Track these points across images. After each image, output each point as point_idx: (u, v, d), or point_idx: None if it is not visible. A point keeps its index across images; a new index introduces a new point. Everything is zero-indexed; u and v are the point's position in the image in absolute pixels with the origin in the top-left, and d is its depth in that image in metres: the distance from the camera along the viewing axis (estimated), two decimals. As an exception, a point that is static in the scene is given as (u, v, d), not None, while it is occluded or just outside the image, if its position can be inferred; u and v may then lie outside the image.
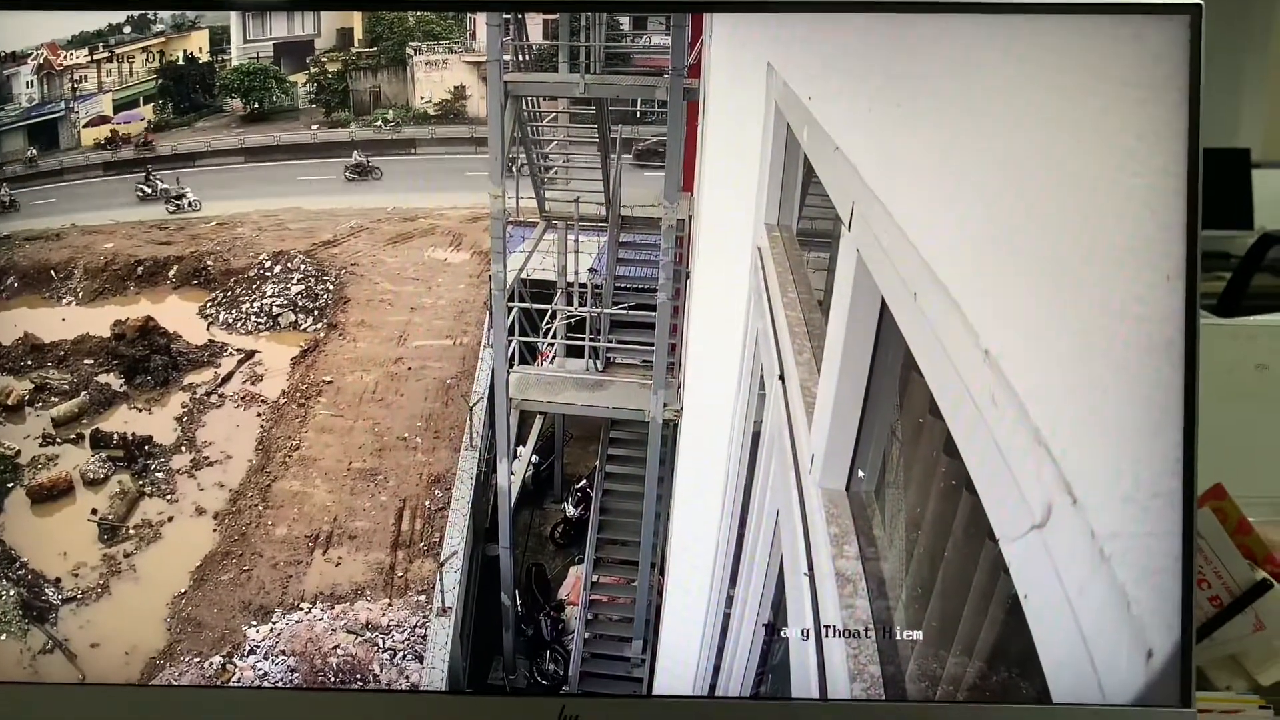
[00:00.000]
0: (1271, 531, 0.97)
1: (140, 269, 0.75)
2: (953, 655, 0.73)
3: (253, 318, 0.77)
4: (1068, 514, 0.73)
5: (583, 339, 0.76)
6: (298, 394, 0.76)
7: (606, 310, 0.75)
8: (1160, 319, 0.73)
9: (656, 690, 0.73)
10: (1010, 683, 0.72)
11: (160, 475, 0.75)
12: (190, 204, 0.73)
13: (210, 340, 0.75)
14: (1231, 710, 0.92)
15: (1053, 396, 0.73)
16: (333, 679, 0.74)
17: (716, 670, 0.74)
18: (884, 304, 0.74)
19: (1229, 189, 2.80)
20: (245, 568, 0.75)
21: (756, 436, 0.74)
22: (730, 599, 0.74)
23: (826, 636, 0.73)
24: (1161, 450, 0.73)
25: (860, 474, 0.76)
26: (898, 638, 0.73)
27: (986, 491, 0.73)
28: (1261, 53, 4.29)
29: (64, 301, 0.75)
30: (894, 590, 0.74)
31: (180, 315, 0.76)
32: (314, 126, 0.71)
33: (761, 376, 0.76)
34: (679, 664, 0.74)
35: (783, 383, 0.77)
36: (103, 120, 0.73)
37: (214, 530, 0.74)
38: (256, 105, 0.72)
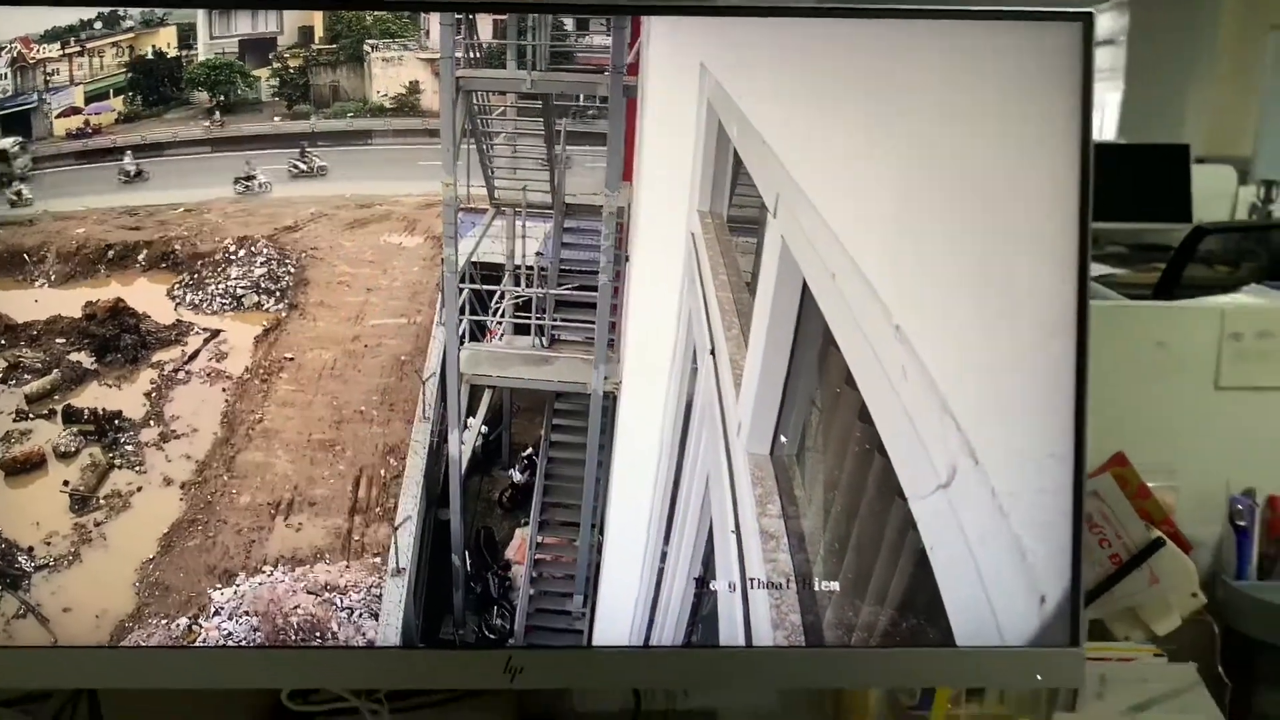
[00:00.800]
0: (1167, 496, 1.04)
1: (111, 253, 0.78)
2: (867, 604, 0.79)
3: (218, 299, 0.81)
4: (970, 474, 0.79)
5: (529, 318, 0.81)
6: (261, 370, 0.80)
7: (551, 291, 0.80)
8: (1056, 297, 0.79)
9: (596, 641, 0.77)
10: (918, 628, 0.78)
11: (130, 448, 0.79)
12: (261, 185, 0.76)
13: (178, 320, 0.79)
14: (1129, 658, 0.99)
15: (958, 368, 0.79)
16: (294, 637, 0.78)
17: (651, 622, 0.79)
18: (805, 285, 0.80)
19: (1169, 184, 2.86)
20: (211, 534, 0.78)
21: (689, 407, 0.80)
22: (664, 556, 0.79)
23: (751, 588, 0.79)
24: (1056, 416, 0.79)
25: (783, 440, 0.81)
26: (816, 589, 0.79)
27: (896, 455, 0.78)
28: (1207, 51, 4.40)
29: (37, 284, 0.78)
30: (813, 545, 0.79)
31: (149, 296, 0.80)
32: (277, 119, 0.76)
33: (694, 352, 0.81)
34: (617, 617, 0.79)
35: (713, 357, 0.82)
36: (74, 111, 0.76)
37: (181, 499, 0.78)
38: (223, 98, 0.76)
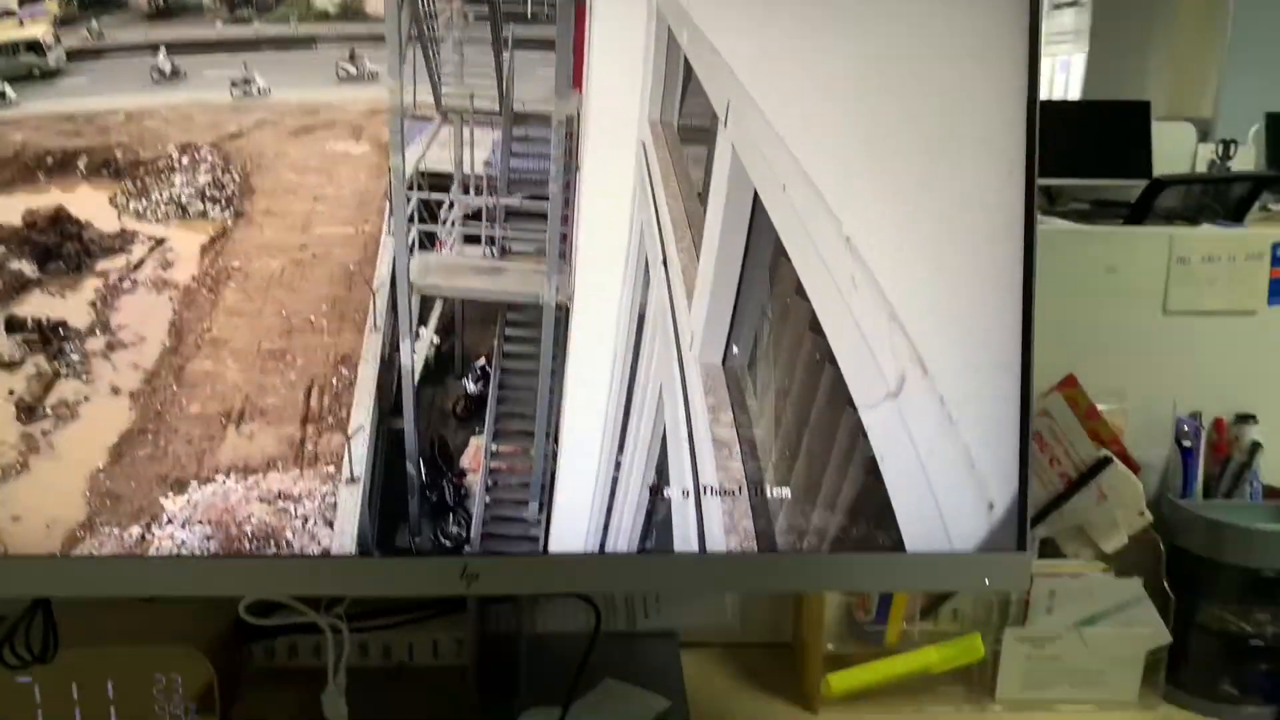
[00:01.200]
0: (1116, 418, 1.06)
1: (50, 159, 0.76)
2: (818, 511, 0.79)
3: (162, 206, 0.80)
4: (919, 383, 0.79)
5: (479, 228, 0.81)
6: (208, 279, 0.78)
7: (502, 201, 0.79)
8: (1004, 208, 0.78)
9: (551, 549, 0.78)
10: (868, 534, 0.79)
11: (76, 358, 0.77)
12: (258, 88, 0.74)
13: (122, 229, 0.77)
14: (1078, 574, 1.01)
15: (907, 279, 0.79)
16: (248, 545, 0.78)
17: (606, 529, 0.80)
18: (756, 196, 0.80)
19: (1130, 141, 2.88)
20: (161, 443, 0.77)
21: (642, 318, 0.79)
22: (618, 464, 0.79)
23: (705, 496, 0.80)
24: (1005, 326, 0.79)
25: (735, 350, 0.81)
26: (769, 496, 0.79)
27: (847, 364, 0.79)
28: (1170, 13, 4.41)
29: (-27, 192, 0.76)
30: (765, 454, 0.80)
31: (91, 204, 0.78)
32: (219, 23, 0.73)
33: (646, 263, 0.81)
34: (572, 524, 0.79)
35: (665, 269, 0.82)
36: (7, 14, 0.74)
37: (130, 409, 0.77)
38: (162, 2, 0.74)
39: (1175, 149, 2.89)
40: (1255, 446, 1.06)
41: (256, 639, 1.06)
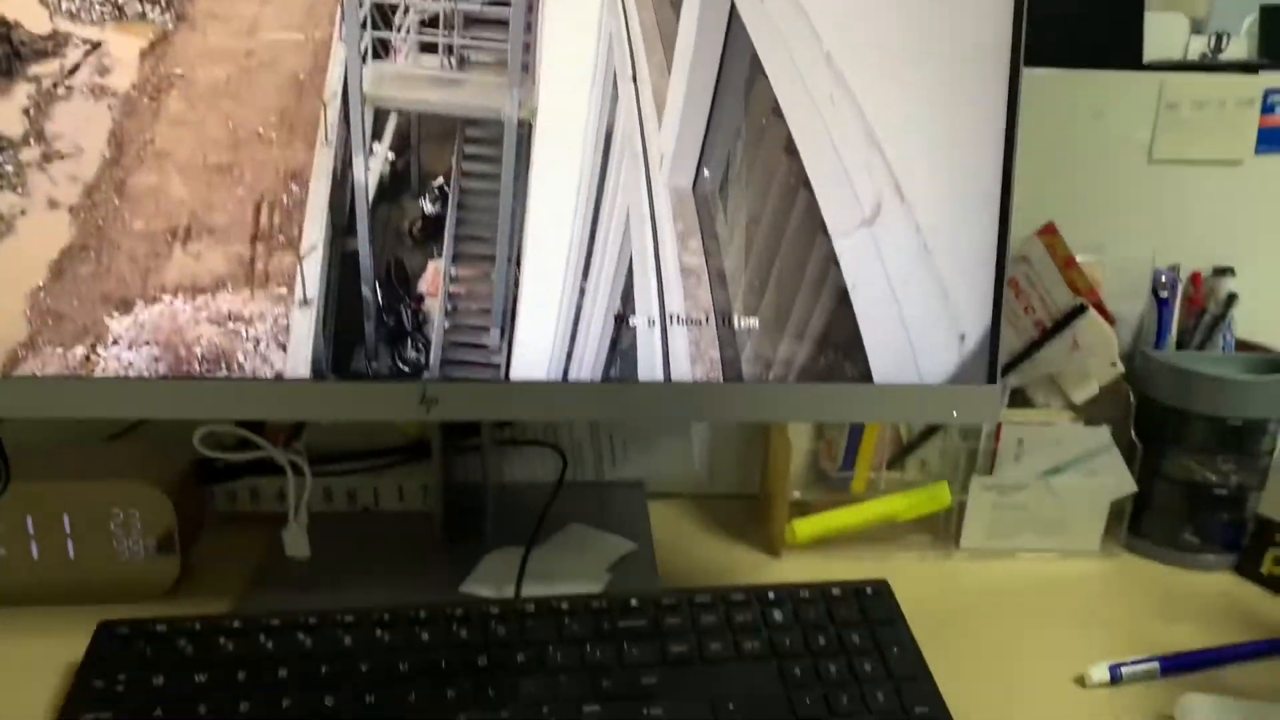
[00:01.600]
0: (1095, 270, 1.04)
1: (-27, -46, 0.71)
2: (786, 341, 0.78)
3: (98, 6, 0.74)
4: (896, 210, 0.77)
5: (437, 35, 0.76)
6: (149, 87, 0.74)
7: (460, 5, 0.74)
8: (993, 33, 0.76)
9: (513, 376, 0.76)
10: (837, 364, 0.78)
11: (10, 169, 0.73)
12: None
13: (54, 30, 0.72)
14: (1047, 422, 1.01)
15: (888, 99, 0.76)
16: (198, 368, 0.76)
17: (569, 357, 0.78)
18: (733, 6, 0.76)
19: (1121, 30, 2.82)
20: (104, 261, 0.74)
21: (609, 137, 0.76)
22: (582, 291, 0.77)
23: (671, 324, 0.78)
24: (986, 157, 0.76)
25: (706, 173, 0.78)
26: (736, 326, 0.77)
27: (822, 189, 0.76)
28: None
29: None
30: (734, 283, 0.77)
31: (18, 2, 0.73)
32: None
33: (615, 77, 0.77)
34: (534, 352, 0.77)
35: (635, 84, 0.78)
36: None
37: (70, 224, 0.73)
38: None
39: (1167, 40, 2.84)
40: (1231, 299, 1.05)
41: (217, 481, 1.05)
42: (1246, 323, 1.05)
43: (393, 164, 0.74)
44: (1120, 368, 1.02)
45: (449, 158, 0.75)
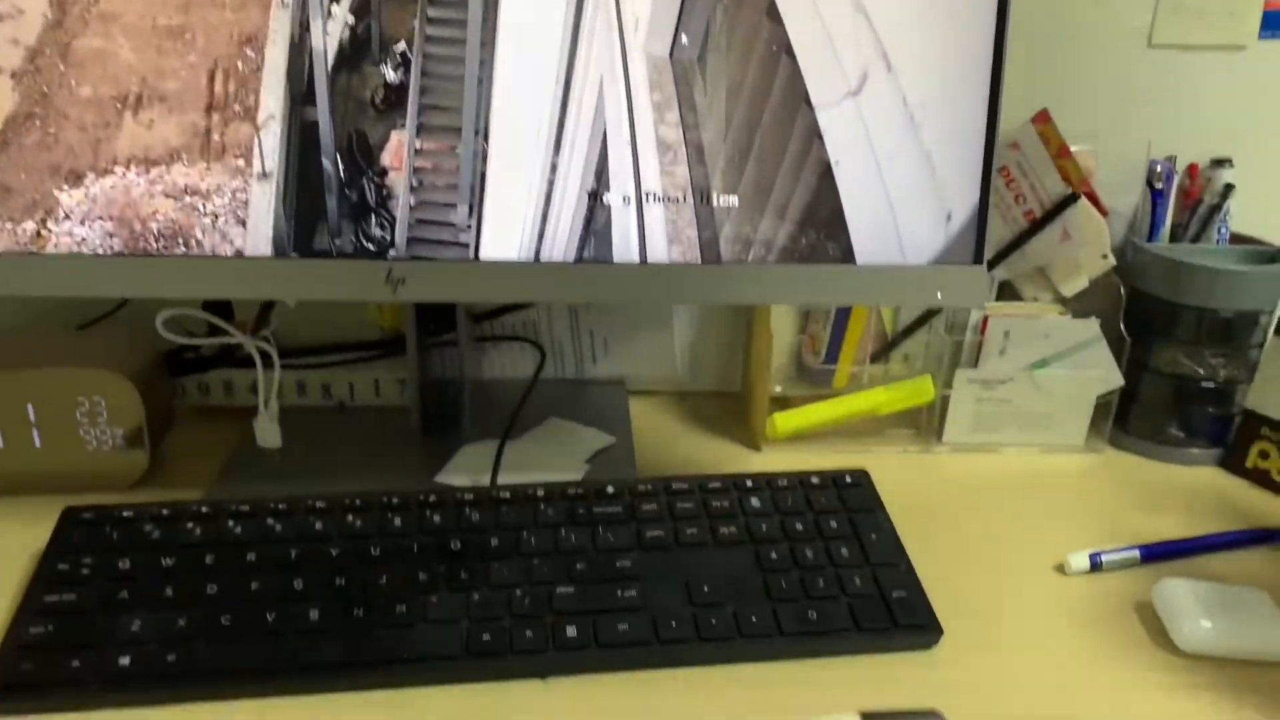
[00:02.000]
0: (1088, 160, 1.01)
1: None
2: (766, 220, 0.75)
3: None
4: (882, 81, 0.73)
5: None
6: (91, -57, 0.70)
7: None
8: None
9: (483, 256, 0.73)
10: (818, 244, 0.75)
11: (-54, 31, 0.69)
12: None
13: (-14, -120, 0.68)
14: (1035, 315, 0.98)
15: (875, -39, 0.71)
16: (154, 244, 0.73)
17: (541, 236, 0.75)
18: None
19: None
20: (51, 130, 0.70)
21: None
22: (554, 167, 0.73)
23: (647, 202, 0.75)
24: (978, 27, 0.73)
25: (684, 40, 0.74)
26: (715, 204, 0.75)
27: (805, 57, 0.72)
28: None
29: None
30: (713, 158, 0.74)
31: None
32: None
33: (587, -63, 0.72)
34: (504, 231, 0.74)
35: (609, -56, 0.74)
36: None
37: (13, 90, 0.69)
38: None
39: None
40: (1228, 189, 1.02)
41: (188, 373, 1.02)
42: (1243, 215, 1.03)
43: (353, 28, 0.71)
44: (1111, 260, 0.99)
45: (412, 21, 0.71)
